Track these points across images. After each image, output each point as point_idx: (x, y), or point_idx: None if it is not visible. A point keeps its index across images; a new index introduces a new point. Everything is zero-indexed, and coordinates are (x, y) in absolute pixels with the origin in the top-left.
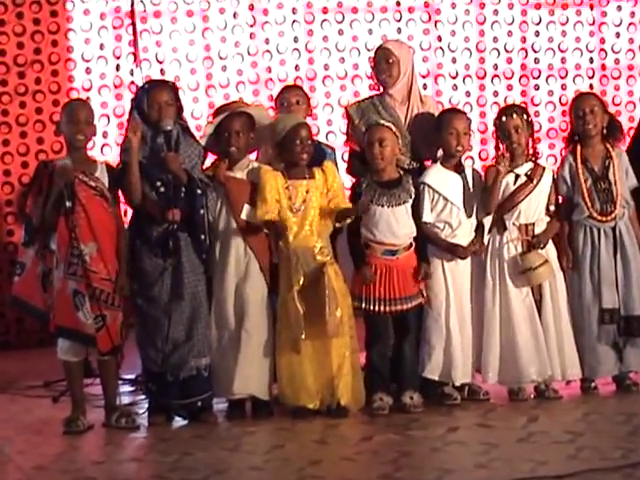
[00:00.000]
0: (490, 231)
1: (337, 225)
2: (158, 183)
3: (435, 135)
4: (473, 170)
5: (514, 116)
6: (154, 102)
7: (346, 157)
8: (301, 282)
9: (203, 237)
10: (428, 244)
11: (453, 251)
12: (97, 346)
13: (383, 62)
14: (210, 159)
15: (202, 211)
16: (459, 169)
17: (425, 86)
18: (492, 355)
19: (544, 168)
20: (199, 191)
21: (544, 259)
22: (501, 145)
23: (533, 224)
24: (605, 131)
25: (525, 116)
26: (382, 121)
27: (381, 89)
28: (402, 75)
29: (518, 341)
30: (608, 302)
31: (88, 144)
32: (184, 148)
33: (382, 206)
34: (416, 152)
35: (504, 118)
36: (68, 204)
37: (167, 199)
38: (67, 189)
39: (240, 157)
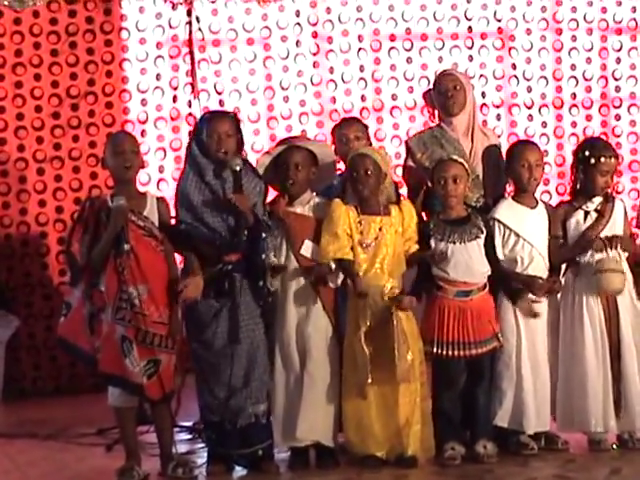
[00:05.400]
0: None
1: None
2: (220, 227)
3: (500, 171)
4: (547, 205)
5: (612, 160)
6: (214, 132)
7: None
8: (368, 323)
9: (262, 283)
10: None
11: (530, 284)
12: (146, 395)
13: (451, 88)
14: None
15: (264, 256)
16: (532, 204)
17: (499, 116)
18: (608, 401)
19: (614, 198)
20: (264, 234)
21: (621, 269)
22: (578, 180)
23: None
24: None
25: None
26: (454, 156)
27: (436, 121)
28: (468, 104)
29: (631, 383)
30: None
31: (136, 176)
32: (246, 185)
33: (454, 243)
34: (486, 188)
35: (602, 159)
36: (126, 247)
37: (228, 242)
38: (123, 232)
39: (300, 192)
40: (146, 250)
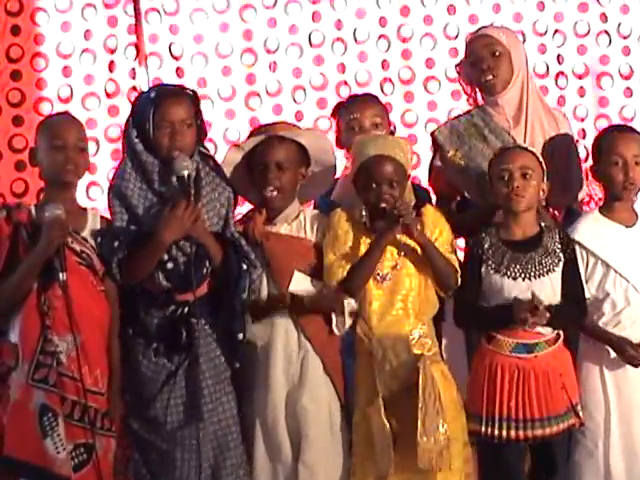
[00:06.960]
0: None
1: (442, 295)
2: (165, 256)
3: (571, 171)
4: None
5: None
6: (164, 121)
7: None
8: (390, 387)
9: (241, 336)
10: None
11: (618, 348)
12: None
13: (487, 56)
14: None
15: (244, 295)
16: (630, 220)
17: (582, 91)
18: None
19: None
20: (244, 266)
21: None
22: None
23: None
24: None
25: None
26: (523, 143)
27: (479, 101)
28: (515, 76)
29: None
30: None
31: (77, 182)
32: (209, 195)
33: (514, 278)
34: (549, 196)
35: None
36: (62, 277)
37: (180, 277)
38: (58, 255)
39: (284, 203)
40: (82, 286)
